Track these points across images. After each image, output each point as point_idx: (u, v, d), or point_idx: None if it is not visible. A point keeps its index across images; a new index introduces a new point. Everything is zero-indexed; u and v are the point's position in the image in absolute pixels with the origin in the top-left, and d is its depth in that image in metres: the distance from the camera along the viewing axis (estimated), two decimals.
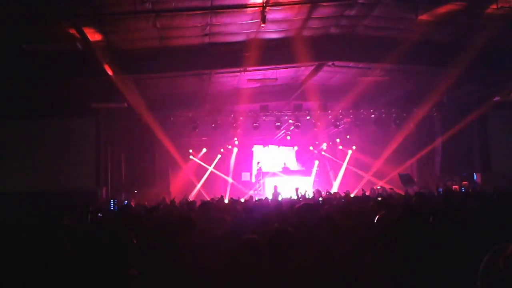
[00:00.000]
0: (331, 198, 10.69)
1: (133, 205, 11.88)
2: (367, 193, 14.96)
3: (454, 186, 16.05)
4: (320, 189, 14.88)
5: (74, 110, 14.43)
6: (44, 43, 10.53)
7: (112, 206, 14.42)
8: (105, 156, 15.58)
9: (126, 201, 14.85)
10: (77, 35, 10.36)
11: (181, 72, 14.08)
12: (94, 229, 5.71)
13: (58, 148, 14.63)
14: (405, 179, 17.15)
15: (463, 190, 15.10)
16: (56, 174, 14.48)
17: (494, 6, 10.29)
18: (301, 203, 5.23)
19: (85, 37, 10.51)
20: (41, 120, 14.69)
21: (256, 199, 13.26)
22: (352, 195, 13.43)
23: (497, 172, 16.14)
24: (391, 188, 15.81)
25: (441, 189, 15.03)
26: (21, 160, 14.37)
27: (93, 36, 10.81)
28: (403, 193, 12.83)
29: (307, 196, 12.97)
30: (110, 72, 12.01)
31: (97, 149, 15.14)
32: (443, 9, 10.69)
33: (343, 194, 14.51)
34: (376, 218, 4.05)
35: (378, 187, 16.85)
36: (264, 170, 23.97)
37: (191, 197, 17.75)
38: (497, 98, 15.26)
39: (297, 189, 8.43)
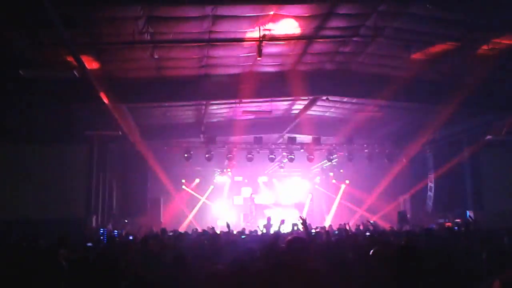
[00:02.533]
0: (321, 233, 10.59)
1: (123, 235, 11.70)
2: (361, 227, 14.89)
3: (446, 224, 15.99)
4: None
5: (67, 137, 14.36)
6: (41, 69, 10.56)
7: (101, 235, 14.21)
8: (97, 184, 15.43)
9: (116, 231, 14.64)
10: (75, 63, 10.41)
11: (177, 102, 14.17)
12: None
13: (49, 175, 14.46)
14: (401, 217, 17.10)
15: (455, 228, 15.05)
16: (47, 201, 14.24)
17: (486, 47, 10.53)
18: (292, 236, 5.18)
19: (83, 65, 10.55)
20: (33, 146, 14.57)
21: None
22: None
23: (489, 211, 16.12)
24: (391, 227, 15.69)
25: (433, 226, 15.03)
26: (11, 186, 14.18)
27: (91, 64, 10.87)
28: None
29: (298, 229, 12.88)
30: (105, 101, 12.03)
31: (89, 176, 15.01)
32: (436, 49, 10.93)
33: (335, 228, 14.44)
34: (371, 252, 4.06)
35: (369, 222, 16.73)
36: (256, 202, 23.88)
37: (181, 228, 17.54)
38: (489, 137, 15.40)
39: (282, 221, 8.29)
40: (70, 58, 10.29)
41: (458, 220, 16.34)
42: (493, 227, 11.96)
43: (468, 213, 16.76)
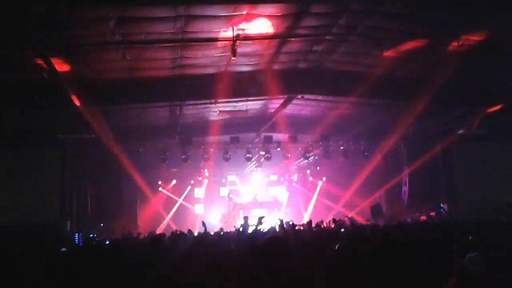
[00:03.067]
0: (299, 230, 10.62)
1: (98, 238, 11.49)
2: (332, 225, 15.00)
3: (421, 217, 16.29)
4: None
5: (40, 141, 14.06)
6: (9, 72, 10.30)
7: (76, 240, 13.94)
8: (71, 188, 15.17)
9: (92, 235, 14.39)
10: (44, 65, 10.19)
11: (151, 104, 14.00)
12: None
13: (21, 179, 14.15)
14: (375, 210, 17.33)
15: (430, 221, 15.34)
16: (20, 206, 13.94)
17: (455, 43, 10.75)
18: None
19: (53, 68, 10.33)
20: (5, 150, 14.22)
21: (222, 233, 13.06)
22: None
23: (462, 202, 16.50)
24: (367, 219, 15.90)
25: (409, 220, 15.28)
26: None
27: (61, 66, 10.65)
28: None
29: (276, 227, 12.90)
30: (77, 103, 11.82)
31: (63, 180, 14.73)
32: (406, 46, 11.10)
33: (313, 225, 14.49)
34: (337, 247, 4.12)
35: (347, 217, 16.89)
36: (235, 202, 23.82)
37: (159, 230, 17.36)
38: (461, 131, 15.76)
39: (260, 218, 8.26)
40: (39, 61, 10.06)
41: (433, 213, 16.68)
42: (465, 219, 12.25)
43: (442, 205, 17.13)
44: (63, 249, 9.21)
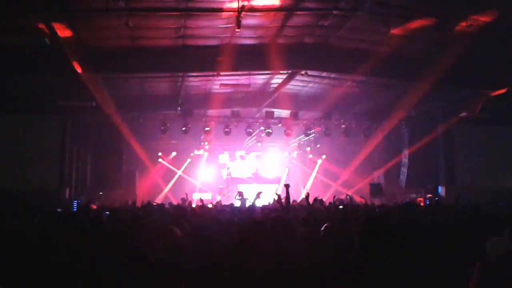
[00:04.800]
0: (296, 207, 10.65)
1: (94, 207, 11.52)
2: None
3: (418, 199, 16.36)
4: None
5: (40, 107, 13.96)
6: (10, 36, 10.13)
7: (75, 207, 14.03)
8: (70, 155, 15.16)
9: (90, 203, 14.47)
10: (46, 30, 10.03)
11: (153, 73, 13.87)
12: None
13: (21, 146, 14.11)
14: (375, 189, 17.38)
15: (427, 203, 15.41)
16: (18, 172, 13.95)
17: (464, 24, 10.57)
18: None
19: (55, 33, 10.18)
20: (3, 116, 14.15)
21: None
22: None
23: (460, 186, 16.53)
24: (362, 196, 15.95)
25: (407, 201, 15.33)
26: None
27: (63, 32, 10.48)
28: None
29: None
30: (79, 70, 11.69)
31: (62, 148, 14.71)
32: (414, 24, 10.90)
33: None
34: (323, 228, 4.13)
35: (348, 197, 16.96)
36: (233, 175, 23.90)
37: (157, 201, 17.44)
38: (463, 114, 15.67)
39: (259, 193, 8.21)
40: (41, 25, 9.90)
41: (430, 195, 16.75)
42: (463, 202, 12.28)
43: (440, 189, 17.19)
44: (59, 210, 9.25)
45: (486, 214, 6.85)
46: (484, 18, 10.42)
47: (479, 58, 12.38)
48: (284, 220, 4.37)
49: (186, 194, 14.55)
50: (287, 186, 7.12)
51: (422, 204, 14.95)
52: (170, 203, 13.32)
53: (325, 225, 4.31)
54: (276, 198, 7.76)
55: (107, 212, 10.93)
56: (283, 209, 6.72)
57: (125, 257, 2.82)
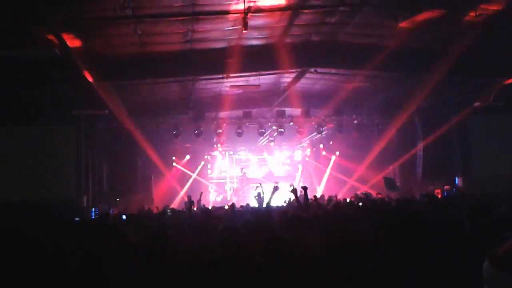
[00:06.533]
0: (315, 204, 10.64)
1: (113, 215, 11.66)
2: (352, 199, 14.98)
3: (436, 190, 16.21)
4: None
5: (54, 117, 14.15)
6: (20, 49, 10.32)
7: (93, 214, 14.21)
8: (86, 163, 15.33)
9: (111, 210, 14.63)
10: (56, 41, 10.19)
11: (163, 78, 13.97)
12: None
13: (37, 156, 14.29)
14: (389, 183, 17.27)
15: (445, 194, 15.27)
16: (35, 183, 14.12)
17: (473, 14, 10.46)
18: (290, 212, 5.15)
19: (64, 43, 10.34)
20: (19, 128, 14.36)
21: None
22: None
23: (478, 176, 16.34)
24: (378, 193, 15.88)
25: (423, 194, 15.21)
26: None
27: (72, 42, 10.64)
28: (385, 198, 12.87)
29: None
30: (90, 79, 11.85)
31: (78, 157, 14.87)
32: (422, 17, 10.82)
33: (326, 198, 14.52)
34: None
35: (362, 193, 16.91)
36: (248, 176, 23.97)
37: (173, 205, 17.59)
38: (477, 104, 15.48)
39: (276, 187, 7.86)
40: (50, 36, 10.07)
41: (447, 186, 16.58)
42: (481, 192, 12.14)
43: (457, 180, 17.02)
44: (77, 218, 9.37)
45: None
46: (493, 7, 10.30)
47: (490, 47, 12.24)
48: (303, 219, 4.36)
49: (201, 193, 14.38)
50: (304, 188, 7.02)
51: (439, 196, 14.85)
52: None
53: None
54: (293, 194, 7.60)
55: (124, 217, 11.03)
56: (301, 207, 6.66)
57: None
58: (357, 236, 4.09)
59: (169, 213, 9.96)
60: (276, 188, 7.61)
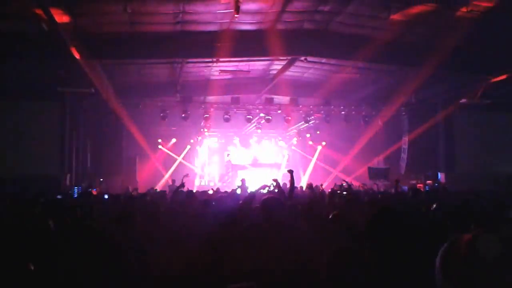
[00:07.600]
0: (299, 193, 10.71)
1: (95, 194, 11.57)
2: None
3: (418, 185, 16.39)
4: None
5: (39, 93, 13.90)
6: (7, 22, 10.07)
7: (75, 193, 14.08)
8: (70, 142, 15.14)
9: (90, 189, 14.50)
10: (44, 15, 9.95)
11: (151, 59, 13.80)
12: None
13: (20, 132, 14.08)
14: (374, 173, 17.40)
15: (427, 189, 15.44)
16: (18, 159, 13.95)
17: (464, 9, 10.46)
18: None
19: (52, 18, 10.09)
20: (3, 103, 14.10)
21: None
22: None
23: (460, 173, 16.56)
24: (364, 184, 16.00)
25: (406, 187, 15.37)
26: None
27: (61, 17, 10.40)
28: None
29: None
30: (77, 56, 11.63)
31: (62, 134, 14.68)
32: (415, 10, 10.80)
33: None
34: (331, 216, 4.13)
35: (344, 183, 17.02)
36: (233, 162, 23.94)
37: (157, 187, 17.50)
38: (463, 100, 15.61)
39: (263, 186, 7.85)
40: (38, 11, 9.83)
41: (430, 181, 16.78)
42: (463, 188, 12.31)
43: (440, 175, 17.21)
44: (59, 196, 9.27)
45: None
46: (485, 3, 10.32)
47: (480, 43, 12.30)
48: (279, 203, 4.35)
49: (187, 175, 14.29)
50: (290, 172, 7.05)
51: (421, 190, 15.02)
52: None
53: (333, 213, 4.29)
54: (275, 184, 7.67)
55: (106, 196, 10.93)
56: (283, 194, 6.65)
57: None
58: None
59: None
60: (263, 188, 7.59)
